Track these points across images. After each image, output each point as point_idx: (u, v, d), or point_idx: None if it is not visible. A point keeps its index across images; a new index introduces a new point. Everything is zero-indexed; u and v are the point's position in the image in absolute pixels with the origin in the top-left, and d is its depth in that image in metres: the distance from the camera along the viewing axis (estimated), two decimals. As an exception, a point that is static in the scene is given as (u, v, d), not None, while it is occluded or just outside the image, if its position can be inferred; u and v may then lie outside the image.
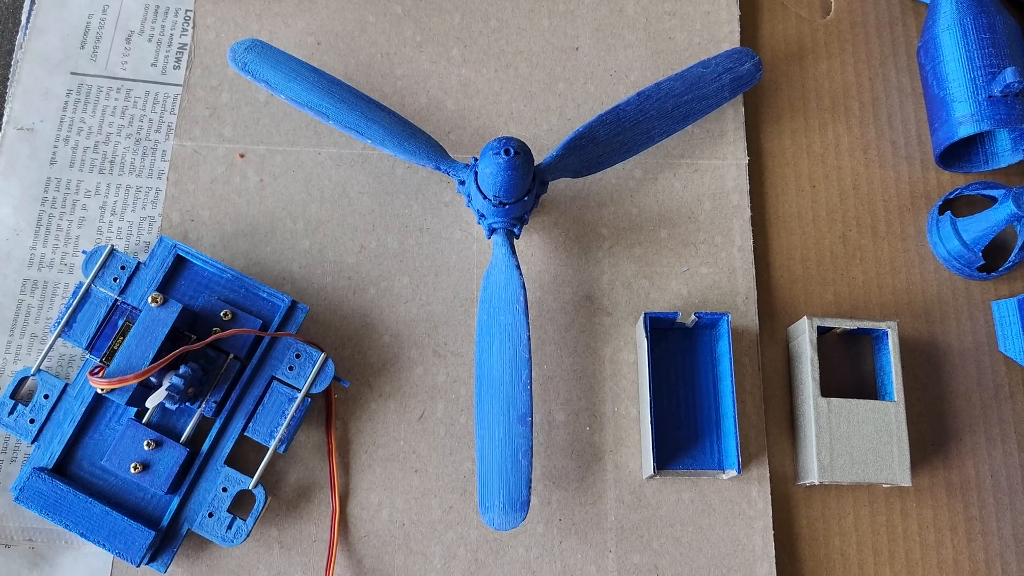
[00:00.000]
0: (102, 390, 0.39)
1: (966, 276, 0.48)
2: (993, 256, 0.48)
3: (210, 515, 0.41)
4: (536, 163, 0.45)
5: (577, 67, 0.51)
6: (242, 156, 0.48)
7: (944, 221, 0.48)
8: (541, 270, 0.47)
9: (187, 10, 0.51)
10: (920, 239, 0.49)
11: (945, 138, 0.48)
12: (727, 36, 0.52)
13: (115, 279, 0.43)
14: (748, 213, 0.48)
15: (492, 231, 0.44)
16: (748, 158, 0.49)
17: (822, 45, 0.53)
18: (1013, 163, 0.49)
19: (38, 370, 0.42)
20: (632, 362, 0.46)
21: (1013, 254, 0.47)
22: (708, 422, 0.44)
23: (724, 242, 0.48)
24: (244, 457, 0.43)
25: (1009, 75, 0.45)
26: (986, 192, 0.49)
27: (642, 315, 0.44)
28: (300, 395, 0.42)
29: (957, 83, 0.48)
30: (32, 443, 0.42)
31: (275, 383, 0.42)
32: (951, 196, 0.49)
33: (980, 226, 0.46)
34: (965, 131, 0.47)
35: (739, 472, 0.42)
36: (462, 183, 0.44)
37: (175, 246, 0.44)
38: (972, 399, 0.46)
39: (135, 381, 0.39)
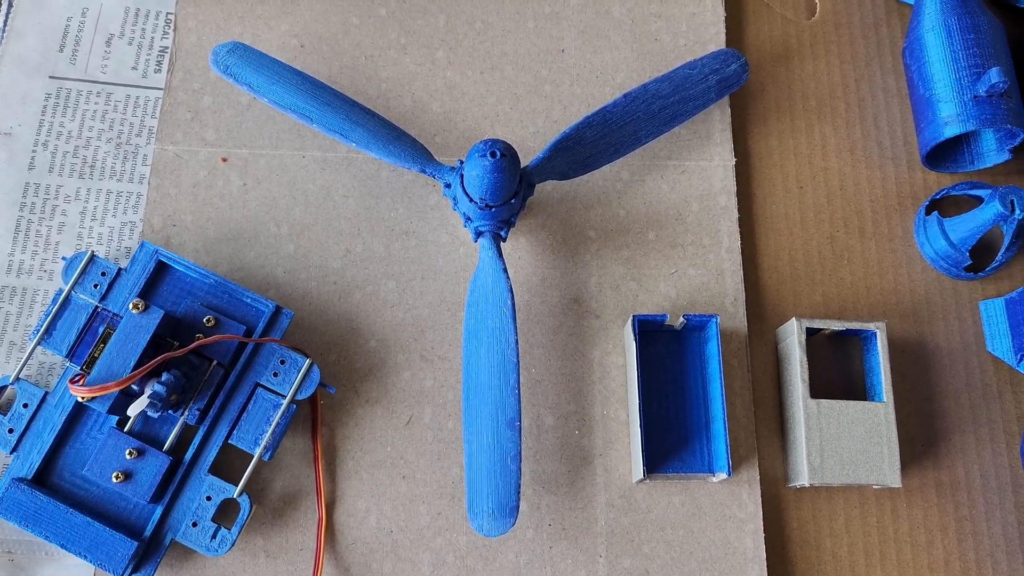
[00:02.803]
0: (83, 398, 0.39)
1: (953, 276, 0.48)
2: (980, 256, 0.48)
3: (194, 524, 0.40)
4: (523, 165, 0.44)
5: (563, 69, 0.51)
6: (225, 160, 0.48)
7: (931, 221, 0.48)
8: (529, 273, 0.47)
9: (168, 13, 0.51)
10: (907, 239, 0.49)
11: (931, 138, 0.48)
12: (713, 37, 0.51)
13: (96, 285, 0.42)
14: (736, 214, 0.48)
15: (479, 234, 0.43)
16: (735, 159, 0.49)
17: (807, 46, 0.52)
18: (999, 163, 0.49)
19: (17, 379, 0.42)
20: (621, 365, 0.45)
21: (1000, 254, 0.47)
22: (698, 425, 0.44)
23: (712, 244, 0.48)
24: (229, 465, 0.42)
25: (994, 75, 0.45)
26: (972, 192, 0.49)
27: (630, 317, 0.44)
28: (285, 402, 0.41)
29: (942, 83, 0.48)
30: (11, 453, 0.41)
31: (260, 390, 0.42)
32: (938, 196, 0.49)
33: (967, 226, 0.46)
34: (951, 131, 0.47)
35: (729, 475, 0.42)
36: (448, 186, 0.44)
37: (156, 251, 0.43)
38: (961, 399, 0.46)
39: (116, 389, 0.38)
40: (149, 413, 0.40)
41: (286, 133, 0.48)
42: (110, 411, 0.39)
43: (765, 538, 0.43)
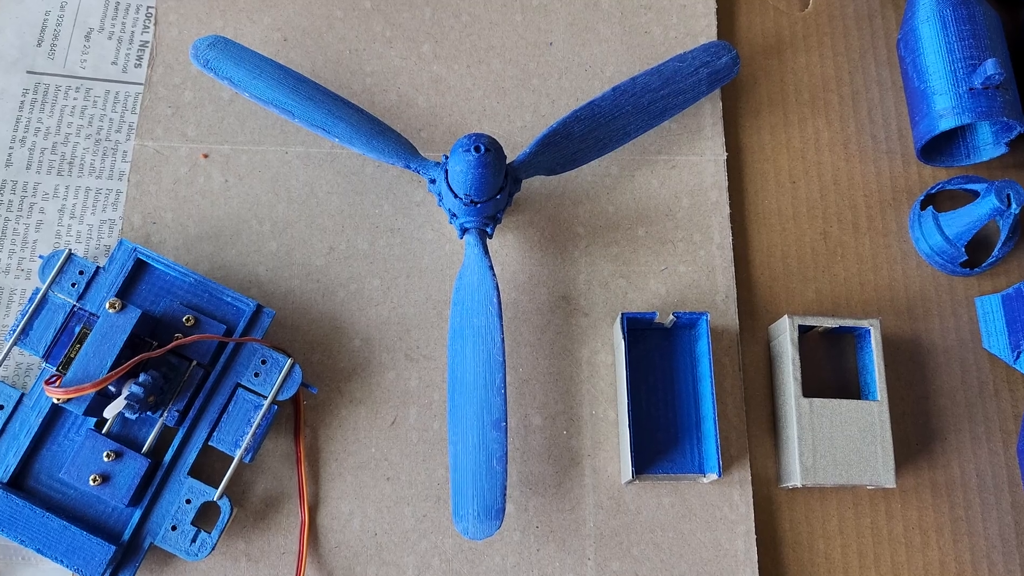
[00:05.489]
0: (58, 400, 0.38)
1: (949, 272, 0.47)
2: (976, 251, 0.47)
3: (173, 528, 0.39)
4: (510, 160, 0.43)
5: (551, 62, 0.50)
6: (206, 156, 0.47)
7: (926, 216, 0.47)
8: (516, 270, 0.46)
9: (148, 7, 0.50)
10: (902, 235, 0.48)
11: (926, 132, 0.47)
12: (704, 30, 0.51)
13: (73, 284, 0.42)
14: (727, 210, 0.47)
15: (464, 231, 0.43)
16: (726, 154, 0.48)
17: (800, 38, 0.52)
18: (995, 157, 0.49)
19: (-8, 380, 0.41)
20: (610, 364, 0.44)
21: (996, 249, 0.46)
22: (688, 424, 0.43)
23: (703, 240, 0.47)
24: (209, 467, 0.42)
25: (990, 67, 0.44)
26: (968, 186, 0.48)
27: (619, 315, 0.43)
28: (266, 402, 0.41)
29: (937, 76, 0.47)
30: (-14, 456, 0.40)
31: (240, 390, 0.41)
32: (933, 191, 0.48)
33: (962, 221, 0.46)
34: (946, 124, 0.46)
35: (720, 475, 0.41)
36: (432, 182, 0.43)
37: (135, 249, 0.42)
38: (956, 397, 0.45)
39: (92, 390, 0.38)
40: (127, 415, 0.39)
41: (269, 129, 0.47)
42: (87, 413, 0.39)
43: (757, 540, 0.42)
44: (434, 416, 0.43)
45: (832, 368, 0.45)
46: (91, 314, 0.41)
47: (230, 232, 0.45)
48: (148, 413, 0.40)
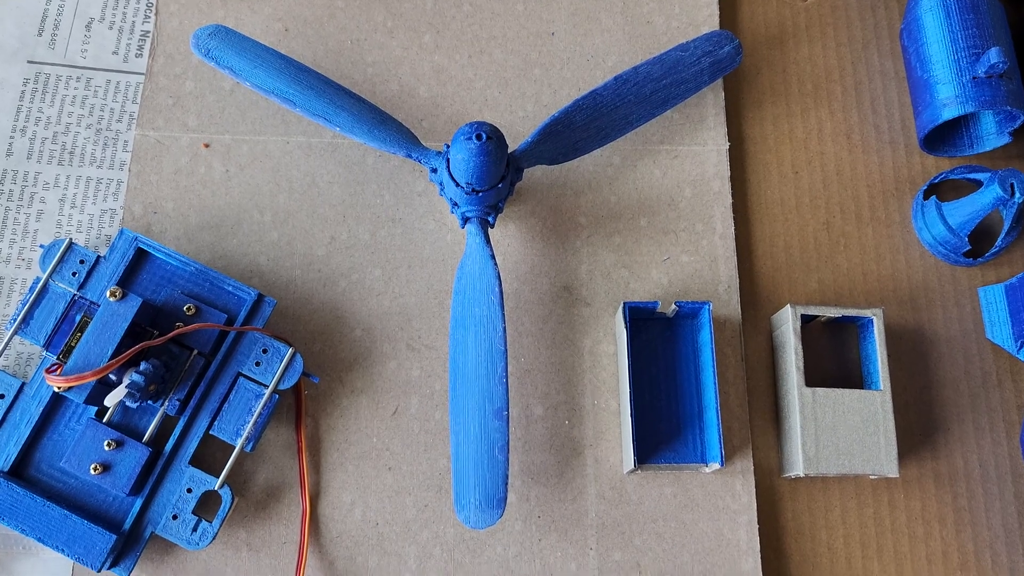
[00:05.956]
0: (59, 388, 0.38)
1: (952, 262, 0.47)
2: (979, 241, 0.47)
3: (174, 517, 0.39)
4: (511, 150, 0.43)
5: (553, 52, 0.50)
6: (207, 146, 0.47)
7: (929, 206, 0.47)
8: (517, 260, 0.46)
9: (150, -4, 0.50)
10: (905, 225, 0.48)
11: (929, 121, 0.47)
12: (706, 19, 0.50)
13: (74, 273, 0.42)
14: (729, 200, 0.47)
15: (465, 220, 0.42)
16: (729, 144, 0.48)
17: (803, 29, 0.51)
18: (998, 146, 0.48)
19: (-7, 369, 0.41)
20: (612, 354, 0.44)
21: (999, 239, 0.46)
22: (690, 414, 0.43)
23: (705, 230, 0.47)
24: (210, 456, 0.41)
25: (993, 55, 0.44)
26: (971, 176, 0.48)
27: (621, 305, 0.43)
28: (267, 391, 0.41)
29: (940, 65, 0.47)
30: (-13, 445, 0.40)
31: (241, 379, 0.41)
32: (936, 180, 0.48)
33: (966, 210, 0.45)
34: (949, 113, 0.46)
35: (722, 465, 0.41)
36: (434, 171, 0.43)
37: (136, 239, 0.42)
38: (959, 387, 0.45)
39: (92, 379, 0.37)
40: (128, 403, 0.39)
41: (270, 118, 0.47)
42: (87, 401, 0.39)
43: (759, 530, 0.42)
44: (436, 406, 0.43)
45: (835, 358, 0.45)
46: (92, 303, 0.41)
47: (231, 222, 0.45)
48: (149, 402, 0.40)
